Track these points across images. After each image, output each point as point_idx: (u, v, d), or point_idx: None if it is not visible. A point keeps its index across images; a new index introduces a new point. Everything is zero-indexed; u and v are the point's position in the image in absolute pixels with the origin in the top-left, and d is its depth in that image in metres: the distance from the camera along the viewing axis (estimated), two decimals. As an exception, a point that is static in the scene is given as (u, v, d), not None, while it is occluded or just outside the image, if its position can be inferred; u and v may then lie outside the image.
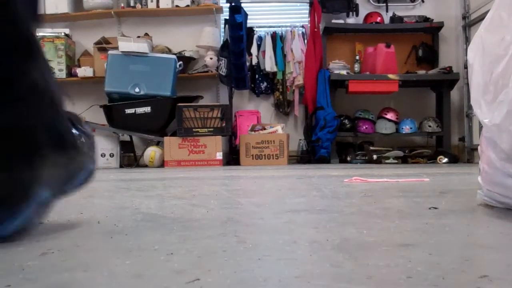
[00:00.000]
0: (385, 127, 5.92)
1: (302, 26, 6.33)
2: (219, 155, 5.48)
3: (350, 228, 0.89)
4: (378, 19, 6.18)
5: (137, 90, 5.60)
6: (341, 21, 6.17)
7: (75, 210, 1.27)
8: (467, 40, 6.14)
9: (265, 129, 5.88)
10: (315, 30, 6.00)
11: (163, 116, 5.59)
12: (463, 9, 6.24)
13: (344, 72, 5.93)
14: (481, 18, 4.98)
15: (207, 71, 6.17)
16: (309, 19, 6.20)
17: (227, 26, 5.94)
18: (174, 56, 5.77)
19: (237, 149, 5.93)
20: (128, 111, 5.60)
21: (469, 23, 6.13)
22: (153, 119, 5.60)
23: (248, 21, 6.12)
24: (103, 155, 5.76)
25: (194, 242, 0.78)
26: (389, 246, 0.72)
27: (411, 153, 5.68)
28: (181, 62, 5.78)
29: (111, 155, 5.77)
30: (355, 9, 6.17)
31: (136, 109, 5.60)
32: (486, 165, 1.10)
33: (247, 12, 6.07)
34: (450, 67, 5.91)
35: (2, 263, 0.66)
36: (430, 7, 6.39)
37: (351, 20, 6.22)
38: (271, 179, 2.62)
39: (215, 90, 6.47)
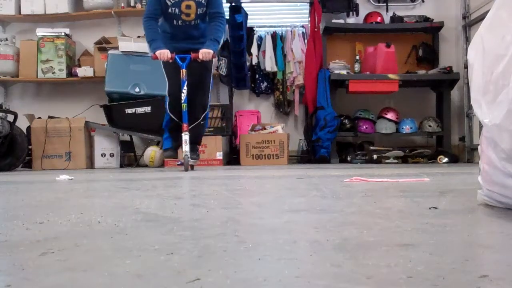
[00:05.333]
0: (385, 127, 5.92)
1: (302, 26, 6.33)
2: (219, 155, 5.48)
3: (350, 228, 0.89)
4: (378, 19, 6.18)
5: (137, 90, 5.60)
6: (341, 21, 6.17)
7: (75, 210, 1.27)
8: (467, 40, 6.14)
9: (265, 129, 5.88)
10: (315, 30, 6.00)
11: (163, 116, 5.58)
12: (463, 9, 6.24)
13: (344, 72, 5.93)
14: (481, 18, 4.97)
15: (207, 71, 6.16)
16: (309, 19, 6.20)
17: (227, 26, 5.93)
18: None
19: (237, 149, 5.93)
20: (128, 111, 5.60)
21: (469, 23, 6.13)
22: (153, 119, 5.58)
23: (248, 21, 6.12)
24: (103, 155, 5.76)
25: (194, 242, 0.78)
26: (389, 246, 0.72)
27: (411, 153, 5.68)
28: (181, 62, 5.76)
29: (111, 155, 5.78)
30: (355, 9, 6.17)
31: (136, 109, 5.60)
32: (486, 165, 1.10)
33: (247, 12, 6.07)
34: (450, 67, 5.91)
35: (2, 263, 0.66)
36: (430, 7, 6.39)
37: (351, 20, 6.22)
38: (271, 179, 2.62)
39: (215, 90, 6.46)
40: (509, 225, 0.93)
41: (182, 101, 3.82)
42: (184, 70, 3.85)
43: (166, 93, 4.07)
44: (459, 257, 0.65)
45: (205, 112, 4.15)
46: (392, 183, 2.03)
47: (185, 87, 3.83)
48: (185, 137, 3.85)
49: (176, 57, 3.86)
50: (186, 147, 3.82)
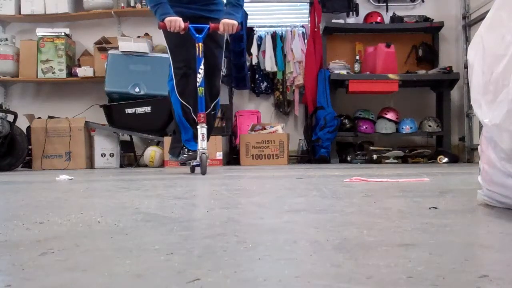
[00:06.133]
0: (385, 127, 5.92)
1: (302, 26, 6.33)
2: (219, 155, 5.48)
3: (350, 228, 0.89)
4: (378, 19, 6.18)
5: (137, 90, 5.60)
6: (341, 21, 6.17)
7: (75, 210, 1.27)
8: (467, 40, 6.14)
9: (265, 129, 5.88)
10: (315, 30, 6.00)
11: (163, 116, 5.59)
12: (463, 9, 6.24)
13: (344, 72, 5.93)
14: (481, 18, 4.97)
15: (207, 71, 6.16)
16: (309, 19, 6.20)
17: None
18: (174, 56, 5.76)
19: (237, 149, 5.93)
20: (128, 111, 5.60)
21: (469, 23, 6.13)
22: (153, 119, 5.60)
23: (248, 20, 6.12)
24: (103, 155, 5.76)
25: (194, 242, 0.78)
26: (389, 246, 0.72)
27: (411, 153, 5.68)
28: (181, 62, 5.76)
29: (111, 155, 5.78)
30: (355, 9, 6.17)
31: (136, 109, 5.60)
32: (486, 165, 1.10)
33: (247, 12, 6.07)
34: (450, 67, 5.92)
35: (2, 263, 0.66)
36: (430, 7, 6.39)
37: (351, 20, 6.22)
38: (271, 179, 2.62)
39: (215, 90, 6.46)
40: (509, 225, 0.93)
41: (198, 84, 3.11)
42: (200, 44, 3.11)
43: (172, 73, 3.30)
44: (459, 257, 0.65)
45: (216, 100, 3.41)
46: (392, 183, 2.03)
47: (201, 66, 3.11)
48: (202, 130, 3.07)
49: (190, 27, 3.12)
50: (203, 144, 3.06)
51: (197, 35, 3.13)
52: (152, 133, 5.70)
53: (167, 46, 3.37)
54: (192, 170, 3.48)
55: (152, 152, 5.67)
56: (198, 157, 3.07)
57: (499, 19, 1.05)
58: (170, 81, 3.34)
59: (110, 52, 5.72)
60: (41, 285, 0.54)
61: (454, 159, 5.56)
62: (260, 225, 0.97)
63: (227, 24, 3.11)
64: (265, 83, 6.33)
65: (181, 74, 3.24)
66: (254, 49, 6.22)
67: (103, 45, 5.99)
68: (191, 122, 3.24)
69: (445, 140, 5.90)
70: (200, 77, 3.11)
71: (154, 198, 1.57)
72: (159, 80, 5.54)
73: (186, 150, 3.32)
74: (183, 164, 3.52)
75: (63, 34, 6.02)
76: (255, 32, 6.28)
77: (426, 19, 6.17)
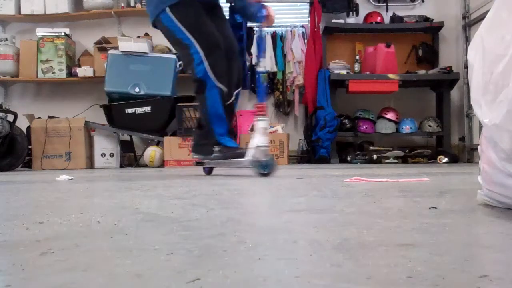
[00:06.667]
0: (385, 127, 5.92)
1: (302, 26, 6.34)
2: (219, 155, 5.47)
3: (350, 228, 0.89)
4: (378, 19, 6.18)
5: (137, 90, 5.60)
6: (341, 21, 6.17)
7: (75, 210, 1.27)
8: (467, 40, 6.14)
9: (265, 129, 5.88)
10: (315, 30, 6.00)
11: (163, 116, 5.59)
12: (463, 9, 6.24)
13: (344, 72, 5.93)
14: (481, 18, 4.98)
15: (207, 71, 6.16)
16: (309, 19, 6.20)
17: (226, 26, 5.92)
18: (174, 56, 5.76)
19: (237, 149, 5.92)
20: (128, 111, 5.60)
21: (469, 23, 6.13)
22: (153, 119, 5.60)
23: (248, 20, 6.12)
24: (103, 155, 5.76)
25: (194, 242, 0.78)
26: (389, 246, 0.72)
27: (411, 153, 5.68)
28: (181, 62, 5.77)
29: (111, 155, 5.78)
30: (355, 9, 6.17)
31: (136, 109, 5.60)
32: (486, 165, 1.10)
33: (247, 12, 6.06)
34: (450, 67, 5.92)
35: (2, 263, 0.66)
36: (430, 7, 6.40)
37: (351, 20, 6.22)
38: (271, 179, 2.62)
39: (215, 90, 6.46)
40: (509, 225, 0.93)
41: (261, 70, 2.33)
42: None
43: (201, 55, 2.72)
44: (459, 257, 0.65)
45: (238, 89, 2.98)
46: (392, 183, 2.03)
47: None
48: (263, 123, 2.54)
49: None
50: (263, 139, 2.56)
51: None
52: (152, 133, 5.70)
53: (182, 27, 2.77)
54: (209, 171, 3.04)
55: (152, 152, 5.67)
56: (263, 155, 2.52)
57: (499, 19, 1.05)
58: (199, 64, 2.73)
59: (110, 52, 5.72)
60: (41, 285, 0.54)
61: (454, 159, 5.56)
62: (260, 225, 0.97)
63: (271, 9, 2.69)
64: (265, 83, 6.34)
65: (216, 49, 2.74)
66: (254, 49, 6.21)
67: (103, 45, 5.99)
68: (227, 109, 2.75)
69: (445, 140, 5.90)
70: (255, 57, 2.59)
71: (154, 198, 1.57)
72: (159, 80, 5.55)
73: (221, 147, 2.77)
74: (199, 163, 2.99)
75: (63, 34, 6.02)
76: (255, 32, 6.27)
77: (426, 19, 6.17)
